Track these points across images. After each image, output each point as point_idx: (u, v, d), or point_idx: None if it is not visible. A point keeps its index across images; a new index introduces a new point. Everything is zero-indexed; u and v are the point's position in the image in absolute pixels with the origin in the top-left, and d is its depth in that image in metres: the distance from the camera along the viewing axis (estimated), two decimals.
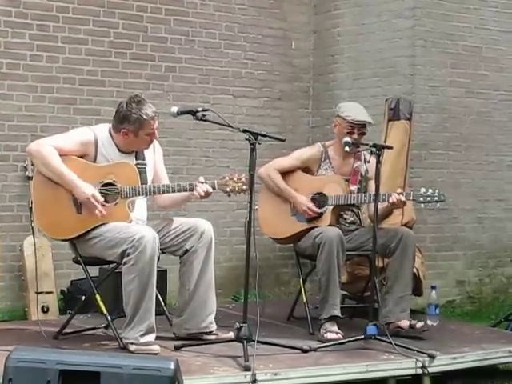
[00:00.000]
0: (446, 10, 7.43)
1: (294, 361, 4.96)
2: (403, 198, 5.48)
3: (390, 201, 5.46)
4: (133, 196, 5.14)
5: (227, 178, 5.17)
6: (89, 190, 5.04)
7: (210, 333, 5.28)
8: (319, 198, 5.75)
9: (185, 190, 5.17)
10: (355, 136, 5.65)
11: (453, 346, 5.46)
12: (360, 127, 5.69)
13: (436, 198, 5.44)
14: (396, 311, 5.60)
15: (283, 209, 5.81)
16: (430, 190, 5.46)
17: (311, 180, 5.81)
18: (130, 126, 5.12)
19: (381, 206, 5.49)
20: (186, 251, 5.22)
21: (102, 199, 5.07)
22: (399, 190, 5.55)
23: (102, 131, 5.23)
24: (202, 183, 5.15)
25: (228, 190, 5.17)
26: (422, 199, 5.46)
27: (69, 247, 5.33)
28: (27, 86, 6.77)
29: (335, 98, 7.87)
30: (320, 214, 5.72)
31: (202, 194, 5.13)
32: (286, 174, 5.85)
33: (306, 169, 5.88)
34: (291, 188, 5.79)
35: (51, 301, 6.40)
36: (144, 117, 5.11)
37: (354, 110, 5.73)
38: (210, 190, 5.16)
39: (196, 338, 5.22)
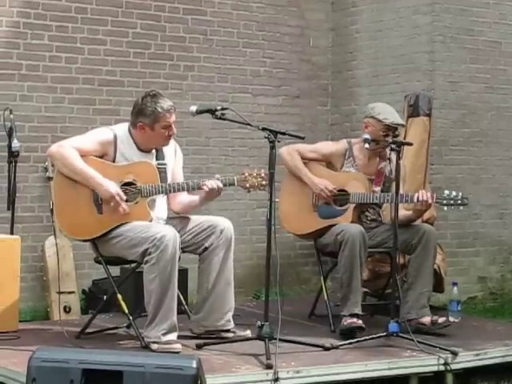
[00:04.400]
0: (464, 5, 7.40)
1: (315, 358, 4.95)
2: (430, 200, 5.45)
3: (421, 198, 5.42)
4: (153, 194, 5.14)
5: (246, 174, 5.17)
6: (113, 187, 5.06)
7: (228, 331, 5.28)
8: (341, 195, 5.74)
9: (199, 188, 5.17)
10: (389, 139, 5.61)
11: (475, 343, 5.43)
12: (395, 130, 5.66)
13: (459, 201, 5.43)
14: (417, 307, 5.58)
15: (305, 204, 5.80)
16: (454, 193, 5.44)
17: (334, 175, 5.78)
18: (146, 119, 5.14)
19: (403, 212, 5.47)
20: (206, 249, 5.22)
21: (125, 197, 5.08)
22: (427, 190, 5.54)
23: (121, 130, 5.25)
24: (212, 179, 5.13)
25: (248, 185, 5.17)
26: (445, 202, 5.44)
27: (90, 247, 5.35)
28: (47, 87, 6.79)
29: (354, 95, 7.86)
30: (337, 194, 5.69)
31: (210, 186, 5.11)
32: (309, 166, 5.81)
33: (329, 164, 5.87)
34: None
35: (73, 301, 6.42)
36: (159, 109, 5.12)
37: (391, 113, 5.67)
38: (220, 185, 5.13)
39: (213, 336, 5.23)
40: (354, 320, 5.40)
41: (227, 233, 5.21)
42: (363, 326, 5.38)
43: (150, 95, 5.19)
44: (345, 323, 5.44)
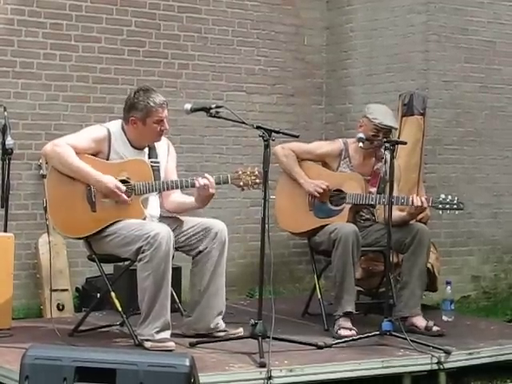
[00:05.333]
0: (459, 4, 7.41)
1: (309, 357, 4.96)
2: (425, 205, 5.46)
3: (415, 203, 5.43)
4: (146, 192, 5.15)
5: (240, 172, 5.17)
6: (111, 181, 5.06)
7: (219, 331, 5.27)
8: (337, 195, 5.74)
9: (192, 186, 5.18)
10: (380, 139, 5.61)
11: (468, 342, 5.44)
12: (386, 131, 5.65)
13: (455, 206, 5.44)
14: (410, 306, 5.59)
15: (301, 203, 5.80)
16: (450, 197, 5.45)
17: (331, 175, 5.78)
18: (138, 113, 5.14)
19: (397, 213, 5.48)
20: (200, 252, 5.22)
21: (124, 188, 5.08)
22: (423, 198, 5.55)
23: (114, 127, 5.25)
24: (203, 178, 5.14)
25: (241, 184, 5.16)
26: (440, 206, 5.45)
27: (83, 245, 5.35)
28: (41, 84, 6.79)
29: (348, 94, 7.86)
30: (331, 191, 5.70)
31: (202, 183, 5.11)
32: (306, 166, 5.82)
33: (324, 164, 5.87)
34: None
35: (66, 298, 6.41)
36: (151, 104, 5.13)
37: (382, 114, 5.67)
38: (211, 179, 5.12)
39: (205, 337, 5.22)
40: (348, 332, 5.40)
41: (221, 236, 5.20)
42: (356, 335, 5.35)
43: (143, 90, 5.20)
44: (339, 331, 5.43)
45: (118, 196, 5.05)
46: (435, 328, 5.56)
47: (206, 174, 5.17)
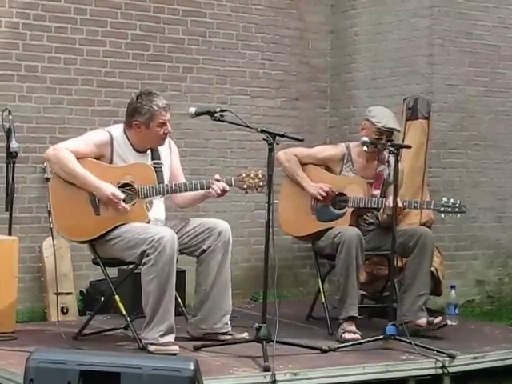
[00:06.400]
0: (463, 8, 7.41)
1: (313, 361, 4.96)
2: (400, 205, 5.44)
3: (387, 205, 5.45)
4: (150, 196, 5.15)
5: (244, 175, 5.18)
6: (109, 188, 5.07)
7: (225, 333, 5.28)
8: (340, 199, 5.74)
9: (201, 188, 5.18)
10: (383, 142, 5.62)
11: (473, 346, 5.44)
12: (388, 134, 5.66)
13: (457, 209, 5.45)
14: (413, 310, 5.59)
15: (304, 206, 5.80)
16: (452, 200, 5.47)
17: (333, 179, 5.79)
18: (141, 117, 5.15)
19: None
20: (204, 251, 5.23)
21: (122, 196, 5.08)
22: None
23: (117, 131, 5.26)
24: (219, 181, 5.15)
25: (245, 186, 5.18)
26: (442, 209, 5.47)
27: (88, 248, 5.35)
28: (45, 88, 6.79)
29: (353, 97, 7.86)
30: (334, 194, 5.70)
31: (219, 191, 5.14)
32: (308, 170, 5.83)
33: (327, 168, 5.88)
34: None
35: (70, 302, 6.41)
36: (154, 107, 5.14)
37: (385, 117, 5.68)
38: (227, 187, 5.17)
39: (211, 338, 5.23)
40: (352, 335, 5.40)
41: (225, 235, 5.22)
42: (361, 339, 5.35)
43: (145, 94, 5.22)
44: (343, 335, 5.43)
45: (115, 204, 5.06)
46: (437, 319, 5.54)
47: (217, 176, 5.17)
